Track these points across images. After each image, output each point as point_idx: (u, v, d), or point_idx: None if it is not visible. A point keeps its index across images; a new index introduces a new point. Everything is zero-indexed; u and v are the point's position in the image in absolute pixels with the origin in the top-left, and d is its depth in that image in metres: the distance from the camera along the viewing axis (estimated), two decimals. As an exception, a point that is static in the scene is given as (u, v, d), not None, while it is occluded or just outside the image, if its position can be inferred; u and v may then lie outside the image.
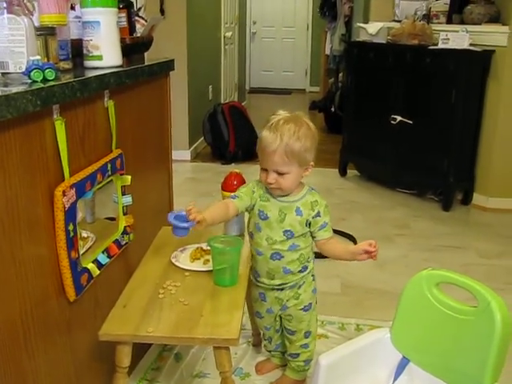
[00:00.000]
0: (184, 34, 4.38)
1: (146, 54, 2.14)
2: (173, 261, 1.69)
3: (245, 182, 1.87)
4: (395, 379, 1.52)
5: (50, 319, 1.30)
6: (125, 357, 1.41)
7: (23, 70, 1.22)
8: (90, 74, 1.44)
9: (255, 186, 1.64)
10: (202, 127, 4.79)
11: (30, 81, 1.20)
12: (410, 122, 3.61)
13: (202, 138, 4.94)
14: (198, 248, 1.76)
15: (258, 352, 2.02)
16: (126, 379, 1.45)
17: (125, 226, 1.68)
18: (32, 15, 1.41)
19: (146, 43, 2.10)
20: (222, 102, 5.62)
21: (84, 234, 1.50)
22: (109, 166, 1.51)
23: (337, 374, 1.46)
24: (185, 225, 1.46)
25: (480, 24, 3.46)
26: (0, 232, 1.09)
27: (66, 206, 1.26)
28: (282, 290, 1.69)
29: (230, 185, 1.87)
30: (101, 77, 1.45)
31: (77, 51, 1.59)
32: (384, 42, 3.86)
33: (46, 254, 1.26)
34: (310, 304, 1.73)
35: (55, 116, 1.24)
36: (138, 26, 2.08)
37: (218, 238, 1.62)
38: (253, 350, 2.03)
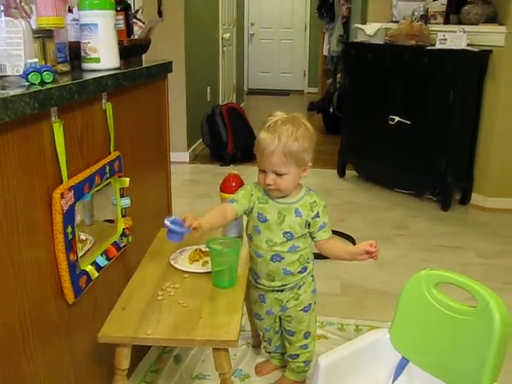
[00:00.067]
0: (182, 35, 4.38)
1: (143, 56, 2.14)
2: (171, 262, 1.69)
3: (243, 184, 1.87)
4: (394, 379, 1.52)
5: (48, 322, 1.30)
6: (124, 359, 1.41)
7: (21, 72, 1.22)
8: (88, 76, 1.44)
9: (253, 189, 1.64)
10: (200, 129, 4.79)
11: (27, 83, 1.20)
12: (408, 123, 3.61)
13: (201, 140, 4.94)
14: (196, 250, 1.76)
15: (258, 353, 2.02)
16: (125, 381, 1.45)
17: (123, 228, 1.68)
18: (30, 18, 1.41)
19: (143, 45, 2.10)
20: (221, 103, 5.62)
21: (82, 237, 1.49)
22: (107, 168, 1.51)
23: (336, 374, 1.46)
24: (180, 230, 1.46)
25: (477, 24, 3.47)
26: (-2, 235, 1.09)
27: (65, 209, 1.26)
28: (281, 291, 1.69)
29: (229, 186, 1.87)
30: (99, 79, 1.45)
31: (74, 54, 1.59)
32: (382, 42, 3.86)
33: (45, 257, 1.26)
34: (310, 305, 1.73)
35: (53, 118, 1.24)
36: (135, 28, 2.08)
37: (217, 240, 1.62)
38: (252, 351, 2.03)
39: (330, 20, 6.75)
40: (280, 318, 1.78)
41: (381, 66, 3.78)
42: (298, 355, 1.79)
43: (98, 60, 1.58)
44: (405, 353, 1.52)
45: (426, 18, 3.79)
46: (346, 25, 6.35)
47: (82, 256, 1.42)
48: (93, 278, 1.45)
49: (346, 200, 3.78)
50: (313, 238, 1.64)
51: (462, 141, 3.52)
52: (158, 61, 1.99)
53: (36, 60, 1.23)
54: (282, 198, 1.60)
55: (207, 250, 1.65)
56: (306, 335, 1.76)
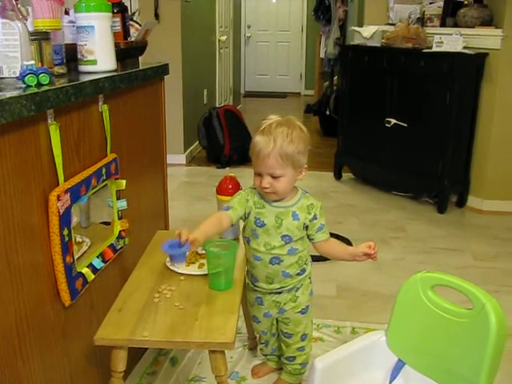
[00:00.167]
0: (178, 38, 4.38)
1: (140, 58, 2.14)
2: (168, 265, 1.69)
3: (240, 186, 1.87)
4: (391, 382, 1.52)
5: (45, 324, 1.29)
6: (120, 361, 1.41)
7: (17, 74, 1.22)
8: (85, 78, 1.44)
9: (249, 194, 1.64)
10: (197, 131, 4.79)
11: (24, 85, 1.20)
12: (405, 125, 3.62)
13: (197, 142, 4.94)
14: (193, 252, 1.76)
15: (254, 356, 2.02)
16: (121, 384, 1.45)
17: (120, 231, 1.68)
18: (26, 20, 1.41)
19: (140, 48, 2.10)
20: (217, 105, 5.62)
21: (79, 239, 1.49)
22: (103, 170, 1.51)
23: (332, 377, 1.46)
24: (180, 251, 1.49)
25: (473, 27, 3.48)
26: (-6, 237, 1.09)
27: (61, 211, 1.26)
28: (279, 293, 1.69)
29: (225, 189, 1.87)
30: (95, 81, 1.45)
31: (71, 56, 1.59)
32: (378, 45, 3.87)
33: (41, 259, 1.26)
34: (307, 307, 1.73)
35: (50, 121, 1.24)
36: (132, 30, 2.08)
37: (213, 242, 1.62)
38: (249, 353, 2.03)
39: (327, 22, 6.76)
40: (277, 321, 1.78)
41: (377, 68, 3.79)
42: (294, 357, 1.79)
43: (94, 62, 1.58)
44: (401, 355, 1.52)
45: (422, 20, 3.81)
46: (343, 27, 6.37)
47: (78, 258, 1.41)
48: (89, 281, 1.44)
49: (342, 202, 3.79)
50: (311, 239, 1.64)
51: (459, 143, 3.52)
52: (154, 63, 2.00)
53: (32, 62, 1.23)
54: (278, 201, 1.60)
55: (203, 252, 1.65)
56: (303, 337, 1.76)
